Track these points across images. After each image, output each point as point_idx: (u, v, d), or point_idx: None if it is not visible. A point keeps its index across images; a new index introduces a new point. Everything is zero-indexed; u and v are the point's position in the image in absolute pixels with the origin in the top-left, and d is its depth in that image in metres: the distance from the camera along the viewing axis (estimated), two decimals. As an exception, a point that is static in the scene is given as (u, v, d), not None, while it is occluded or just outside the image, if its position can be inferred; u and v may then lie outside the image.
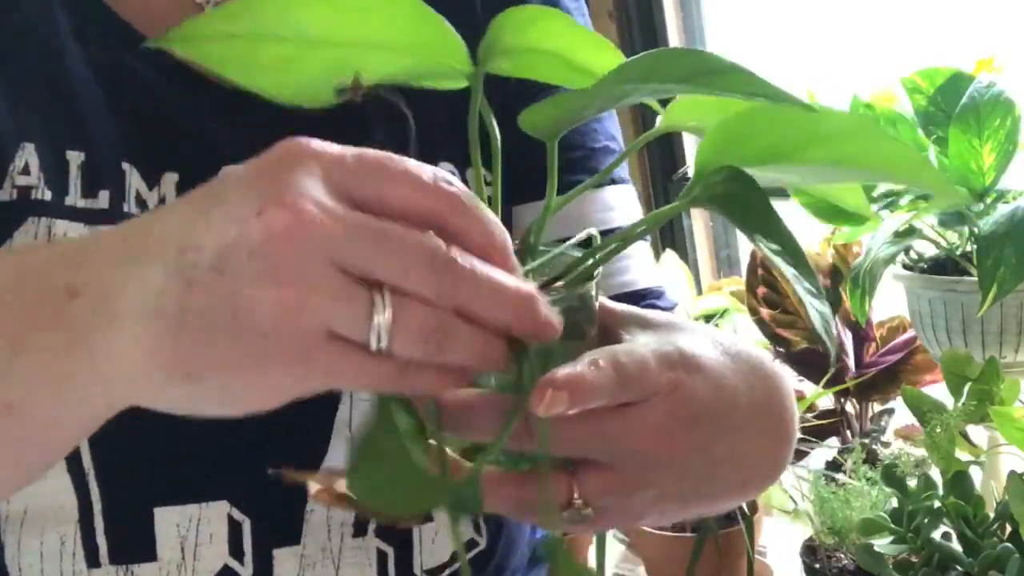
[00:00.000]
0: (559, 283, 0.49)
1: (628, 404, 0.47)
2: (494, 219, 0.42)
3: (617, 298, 0.72)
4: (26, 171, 0.63)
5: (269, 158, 0.40)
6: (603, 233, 0.73)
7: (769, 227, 0.45)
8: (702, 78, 0.42)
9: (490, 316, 0.41)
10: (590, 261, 0.50)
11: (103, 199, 0.64)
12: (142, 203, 0.65)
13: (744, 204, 0.45)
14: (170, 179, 0.66)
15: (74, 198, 0.64)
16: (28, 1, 0.67)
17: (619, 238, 0.51)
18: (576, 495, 0.47)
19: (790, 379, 0.58)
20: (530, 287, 0.42)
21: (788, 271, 0.44)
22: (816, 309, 0.45)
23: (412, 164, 0.41)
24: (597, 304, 0.52)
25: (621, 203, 0.76)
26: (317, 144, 0.40)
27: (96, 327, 0.40)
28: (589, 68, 0.52)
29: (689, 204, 0.47)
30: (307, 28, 0.48)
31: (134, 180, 0.65)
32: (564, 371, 0.44)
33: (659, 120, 0.54)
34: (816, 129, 0.46)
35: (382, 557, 0.68)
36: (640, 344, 0.49)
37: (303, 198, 0.38)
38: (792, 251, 0.45)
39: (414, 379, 0.41)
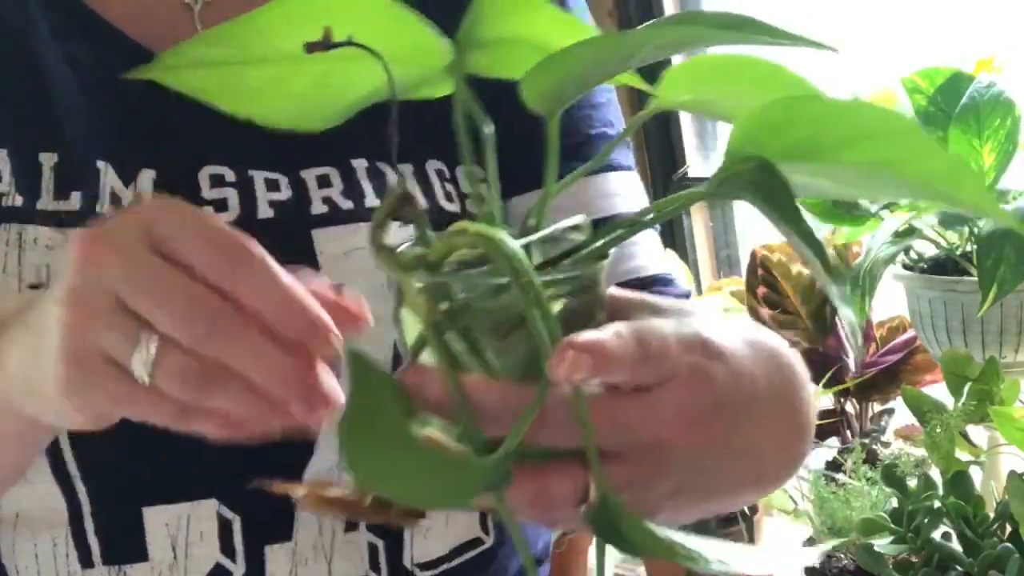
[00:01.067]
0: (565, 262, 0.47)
1: (643, 389, 0.45)
2: (281, 281, 0.43)
3: (625, 284, 0.69)
4: None
5: (121, 213, 0.46)
6: (604, 220, 0.71)
7: (790, 226, 0.42)
8: (737, 27, 0.42)
9: (255, 378, 0.43)
10: (600, 242, 0.47)
11: (75, 200, 0.64)
12: (117, 200, 0.64)
13: (769, 198, 0.43)
14: (147, 176, 0.66)
15: (46, 201, 0.64)
16: (5, 2, 0.67)
17: (630, 222, 0.48)
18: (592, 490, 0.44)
19: (806, 369, 0.57)
20: (303, 363, 0.43)
21: (818, 271, 0.42)
22: (847, 317, 0.43)
23: (216, 223, 0.44)
24: (606, 291, 0.49)
25: (624, 190, 0.74)
26: (161, 202, 0.46)
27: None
28: None
29: (713, 194, 0.45)
30: (292, 46, 0.47)
31: (109, 178, 0.65)
32: (586, 335, 0.42)
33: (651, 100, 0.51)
34: (856, 126, 0.42)
35: (373, 550, 0.68)
36: (659, 325, 0.46)
37: (108, 236, 0.44)
38: (815, 252, 0.43)
39: (190, 419, 0.44)
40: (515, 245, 0.42)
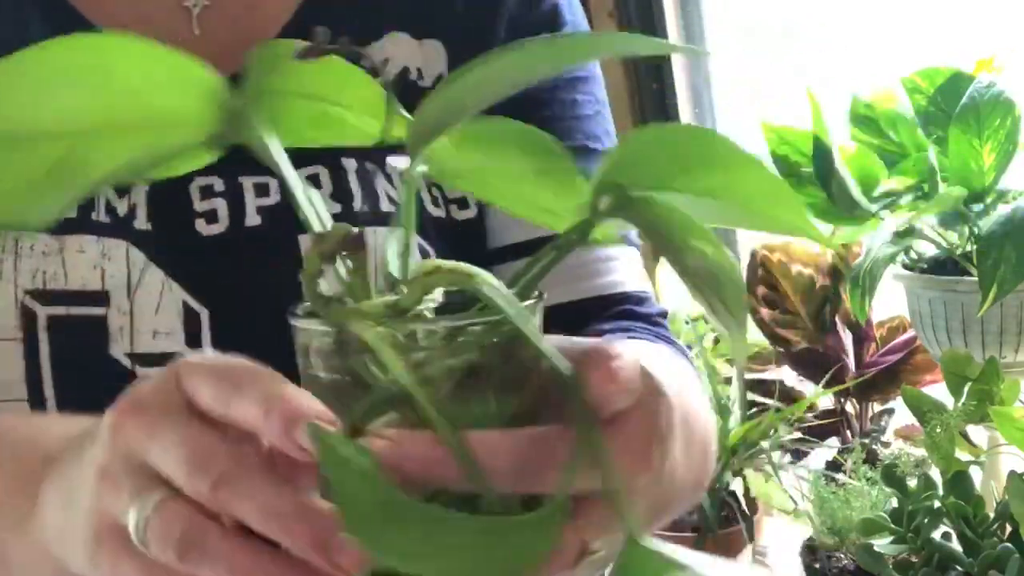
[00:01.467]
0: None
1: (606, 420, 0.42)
2: (267, 389, 0.39)
3: (600, 299, 0.70)
4: None
5: (162, 369, 0.44)
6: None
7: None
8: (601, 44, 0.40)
9: (256, 525, 0.39)
10: (531, 272, 0.42)
11: (71, 208, 0.64)
12: (111, 211, 0.65)
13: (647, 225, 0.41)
14: (141, 188, 0.66)
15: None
16: (3, 13, 0.67)
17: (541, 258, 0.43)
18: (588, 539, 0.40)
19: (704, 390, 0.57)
20: (314, 506, 0.37)
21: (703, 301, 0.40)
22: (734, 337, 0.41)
23: (224, 367, 0.41)
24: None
25: None
26: (196, 354, 0.43)
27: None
28: (358, 122, 0.43)
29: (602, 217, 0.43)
30: (32, 124, 0.38)
31: (104, 189, 0.65)
32: (616, 346, 0.39)
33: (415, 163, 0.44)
34: (694, 153, 0.41)
35: None
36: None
37: (138, 402, 0.42)
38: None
39: None
40: (496, 280, 0.39)
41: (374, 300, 0.40)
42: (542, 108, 0.72)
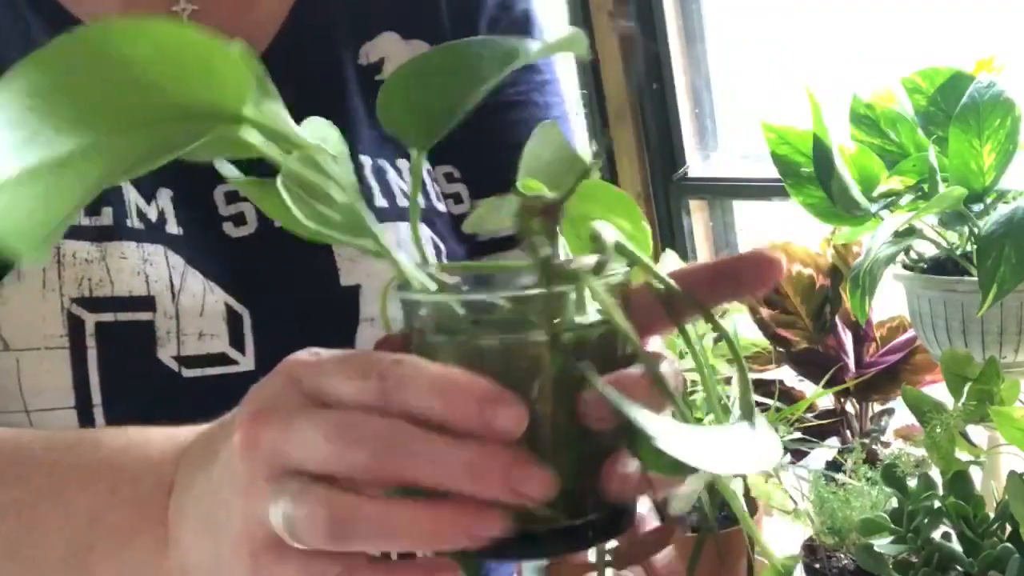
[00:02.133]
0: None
1: None
2: (439, 375, 0.38)
3: None
4: None
5: (268, 376, 0.42)
6: None
7: None
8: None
9: (443, 480, 0.37)
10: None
11: (107, 216, 0.65)
12: (143, 216, 0.66)
13: None
14: (165, 194, 0.67)
15: (78, 216, 0.64)
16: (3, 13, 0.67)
17: None
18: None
19: None
20: (493, 450, 0.37)
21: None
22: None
23: (352, 352, 0.40)
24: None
25: None
26: (303, 353, 0.41)
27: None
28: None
29: None
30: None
31: (132, 195, 0.66)
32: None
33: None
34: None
35: None
36: None
37: (260, 411, 0.40)
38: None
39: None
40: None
41: (586, 259, 0.41)
42: (519, 110, 0.74)
